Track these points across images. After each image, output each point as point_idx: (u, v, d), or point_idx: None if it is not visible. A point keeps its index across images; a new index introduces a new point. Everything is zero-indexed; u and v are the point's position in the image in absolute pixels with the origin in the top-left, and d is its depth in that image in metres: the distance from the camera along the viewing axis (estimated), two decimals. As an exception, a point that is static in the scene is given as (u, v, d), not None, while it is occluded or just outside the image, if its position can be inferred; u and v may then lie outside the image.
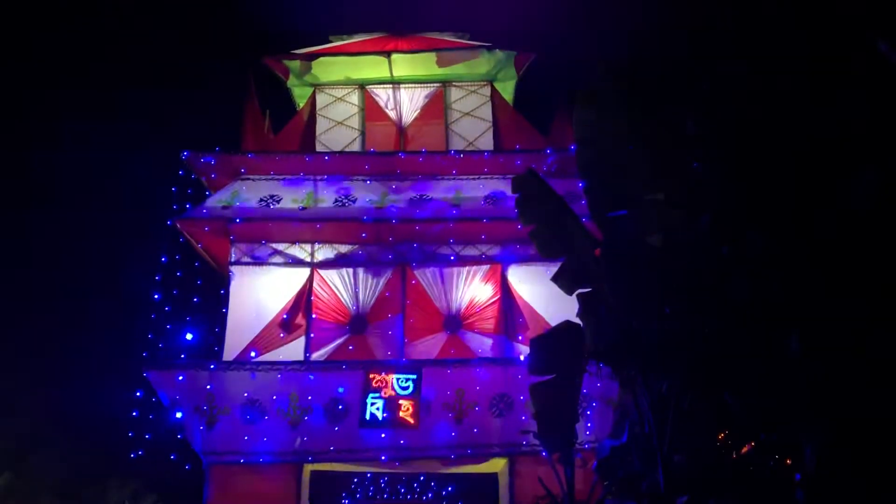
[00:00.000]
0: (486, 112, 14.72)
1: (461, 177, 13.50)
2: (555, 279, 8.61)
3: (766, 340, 6.88)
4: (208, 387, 11.38)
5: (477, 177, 13.47)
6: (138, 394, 11.68)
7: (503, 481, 12.28)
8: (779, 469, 6.63)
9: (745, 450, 7.24)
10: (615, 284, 7.66)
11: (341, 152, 13.97)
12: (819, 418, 6.52)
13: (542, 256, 8.74)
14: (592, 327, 8.12)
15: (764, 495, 6.48)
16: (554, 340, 9.05)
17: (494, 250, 13.25)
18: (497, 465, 12.37)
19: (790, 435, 6.80)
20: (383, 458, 11.75)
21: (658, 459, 7.31)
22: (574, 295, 8.54)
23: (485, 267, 13.20)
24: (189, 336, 11.97)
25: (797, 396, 6.66)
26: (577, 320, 8.61)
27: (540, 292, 12.75)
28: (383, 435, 11.56)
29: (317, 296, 12.85)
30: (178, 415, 11.30)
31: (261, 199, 12.99)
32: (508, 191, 12.12)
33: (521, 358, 11.85)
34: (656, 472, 7.38)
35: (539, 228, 8.64)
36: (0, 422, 27.54)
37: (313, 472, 12.42)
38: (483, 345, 12.80)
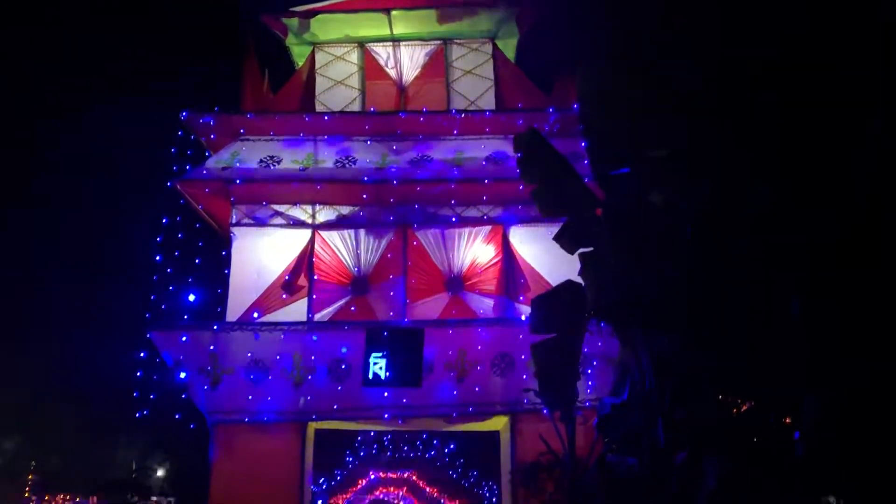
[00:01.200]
0: (488, 70, 14.52)
1: (462, 137, 13.37)
2: (556, 239, 8.58)
3: (767, 299, 6.88)
4: (212, 347, 11.45)
5: (478, 137, 13.35)
6: (143, 355, 11.78)
7: (505, 439, 12.43)
8: (778, 426, 6.68)
9: (744, 408, 7.29)
10: (616, 243, 7.64)
11: (341, 112, 13.83)
12: (819, 377, 6.55)
13: (544, 216, 8.72)
14: (594, 286, 8.12)
15: (762, 452, 6.55)
16: (555, 300, 9.08)
17: (496, 211, 13.20)
18: (499, 422, 12.51)
19: (790, 393, 6.84)
20: (386, 416, 11.89)
21: (658, 416, 7.39)
22: (576, 255, 8.53)
23: (486, 228, 13.16)
24: (192, 297, 12.01)
25: (798, 354, 6.68)
26: (579, 280, 8.63)
27: (541, 253, 12.75)
28: (386, 394, 11.68)
29: (318, 257, 12.85)
30: (183, 375, 11.40)
31: (260, 160, 12.91)
32: (510, 151, 12.06)
33: (523, 318, 11.88)
34: (656, 429, 7.45)
35: (541, 188, 8.59)
36: (9, 385, 28.04)
37: (317, 431, 12.58)
38: (484, 305, 12.84)
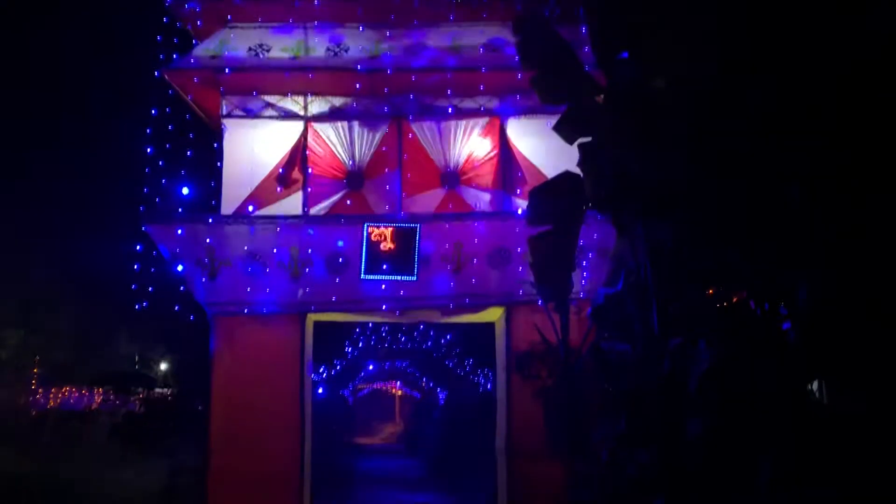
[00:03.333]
0: (486, -50, 13.76)
1: (459, 23, 12.80)
2: (555, 128, 8.41)
3: (769, 190, 6.81)
4: (208, 240, 11.45)
5: (476, 23, 12.79)
6: (139, 248, 11.78)
7: (500, 329, 12.69)
8: (772, 315, 6.75)
9: (738, 298, 7.37)
10: (617, 131, 7.49)
11: (331, -5, 13.19)
12: (817, 268, 6.58)
13: (542, 103, 8.49)
14: (592, 177, 8.03)
15: (755, 338, 6.67)
16: (553, 191, 9.02)
17: (493, 102, 12.88)
18: (494, 314, 12.72)
19: (786, 283, 6.89)
20: (384, 307, 12.06)
21: (653, 305, 7.48)
22: (574, 145, 8.40)
23: (483, 120, 12.89)
24: (185, 190, 11.89)
25: (797, 246, 6.68)
26: (577, 171, 8.54)
27: (539, 146, 12.57)
28: (383, 286, 11.80)
29: (312, 150, 12.64)
30: (180, 268, 11.44)
31: (249, 48, 12.43)
32: (509, 38, 11.66)
33: (519, 211, 11.87)
34: (651, 317, 7.57)
35: (540, 74, 8.33)
36: (9, 282, 28.30)
37: (316, 323, 12.80)
38: (481, 200, 12.75)
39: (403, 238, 11.57)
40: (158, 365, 16.82)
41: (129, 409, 17.05)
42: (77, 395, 36.44)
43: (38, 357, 36.02)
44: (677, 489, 6.56)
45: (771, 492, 6.50)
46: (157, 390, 17.04)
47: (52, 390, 38.36)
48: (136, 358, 18.49)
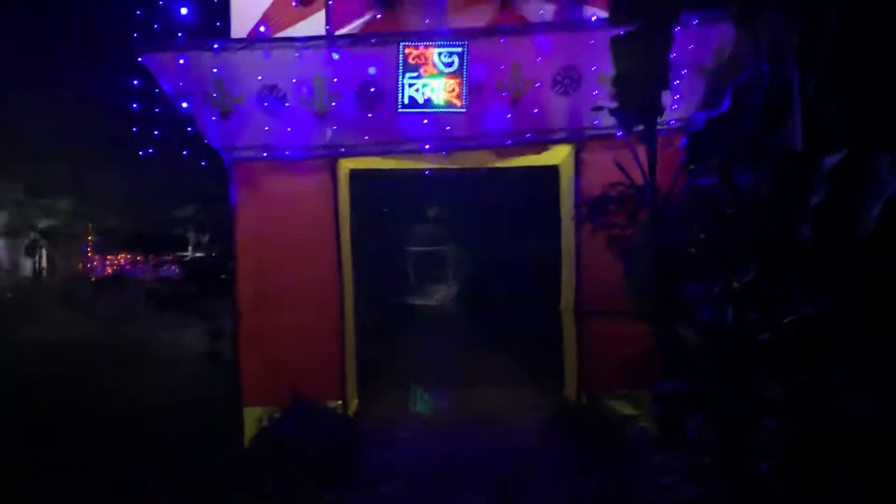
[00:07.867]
0: None
1: None
2: None
3: None
4: (215, 70, 9.52)
5: None
6: (136, 83, 9.95)
7: (566, 172, 10.72)
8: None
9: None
10: None
11: None
12: None
13: None
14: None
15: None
16: (648, -30, 6.75)
17: None
18: (560, 154, 10.70)
19: None
20: (427, 148, 10.15)
21: (796, 111, 5.38)
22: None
23: None
24: (184, 10, 9.84)
25: None
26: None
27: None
28: (425, 121, 9.83)
29: (334, -43, 10.31)
30: (184, 105, 9.63)
31: None
32: None
33: (593, 19, 9.54)
34: (790, 132, 5.51)
35: None
36: (51, 150, 27.35)
37: (352, 171, 11.07)
38: (543, 10, 10.38)
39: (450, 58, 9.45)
40: (189, 224, 15.58)
41: (167, 273, 16.00)
42: (130, 261, 36.54)
43: (91, 223, 35.92)
44: (832, 358, 4.77)
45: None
46: (190, 253, 15.86)
47: (108, 256, 38.72)
48: (168, 218, 17.31)
